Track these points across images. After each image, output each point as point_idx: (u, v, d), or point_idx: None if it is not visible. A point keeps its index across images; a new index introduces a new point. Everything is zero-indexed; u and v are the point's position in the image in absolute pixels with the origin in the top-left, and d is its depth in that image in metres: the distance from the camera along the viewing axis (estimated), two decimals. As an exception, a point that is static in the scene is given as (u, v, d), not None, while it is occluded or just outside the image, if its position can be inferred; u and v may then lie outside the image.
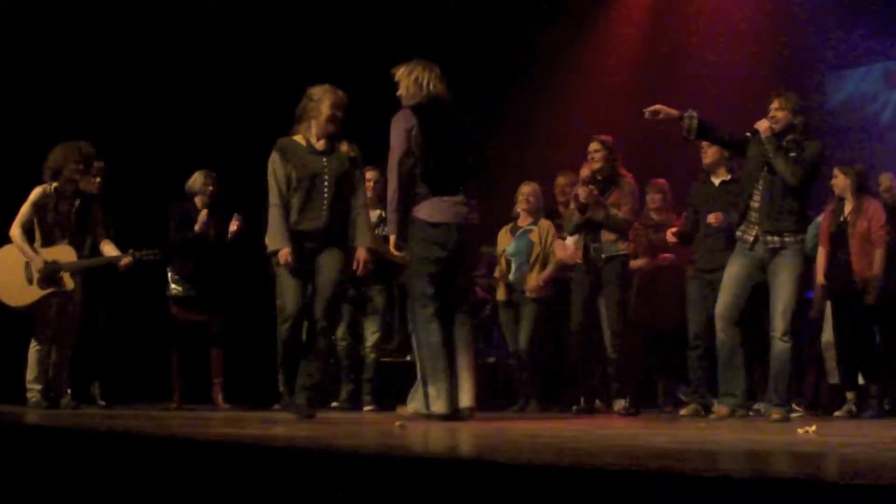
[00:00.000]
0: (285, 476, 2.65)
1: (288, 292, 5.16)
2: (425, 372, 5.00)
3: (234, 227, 7.06)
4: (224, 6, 8.46)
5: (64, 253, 6.29)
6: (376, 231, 6.36)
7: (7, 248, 6.35)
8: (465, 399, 5.00)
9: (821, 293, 6.65)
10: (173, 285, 7.04)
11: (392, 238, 5.14)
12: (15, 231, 6.27)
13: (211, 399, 7.12)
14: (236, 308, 7.25)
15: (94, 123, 7.18)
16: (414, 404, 5.05)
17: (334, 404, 7.02)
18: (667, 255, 7.10)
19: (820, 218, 6.62)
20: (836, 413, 6.48)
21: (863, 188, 6.52)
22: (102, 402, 6.85)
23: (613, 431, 4.25)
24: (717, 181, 6.52)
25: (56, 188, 6.33)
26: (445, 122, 5.12)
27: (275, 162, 5.21)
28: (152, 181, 7.65)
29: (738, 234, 5.54)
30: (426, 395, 4.98)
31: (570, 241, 6.92)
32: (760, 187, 5.43)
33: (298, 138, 5.27)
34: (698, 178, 6.74)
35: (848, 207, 6.50)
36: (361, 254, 5.25)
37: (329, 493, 2.51)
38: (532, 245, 7.11)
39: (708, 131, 5.55)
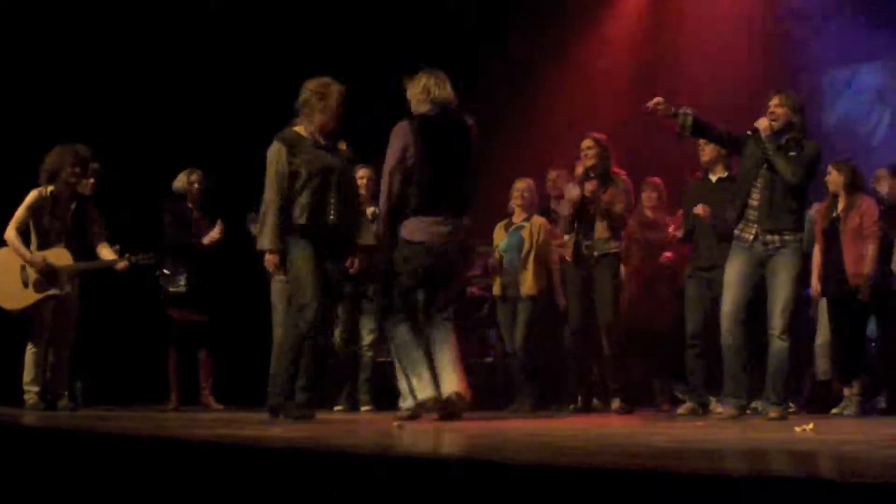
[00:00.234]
0: (283, 476, 2.65)
1: (308, 281, 5.01)
2: (406, 370, 5.04)
3: (214, 234, 7.04)
4: (222, 6, 8.45)
5: (60, 256, 6.28)
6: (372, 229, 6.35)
7: (2, 251, 6.33)
8: (452, 385, 4.97)
9: (816, 292, 6.67)
10: (170, 287, 7.04)
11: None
12: (10, 234, 6.26)
13: (202, 400, 7.12)
14: (227, 309, 7.25)
15: (90, 124, 7.17)
16: (406, 404, 5.07)
17: (338, 408, 7.01)
18: (668, 254, 7.10)
19: (812, 211, 6.60)
20: (833, 410, 6.49)
21: (856, 185, 6.53)
22: (81, 402, 6.78)
23: (611, 430, 4.25)
24: (714, 178, 6.52)
25: (52, 191, 6.31)
26: (445, 138, 5.11)
27: (279, 155, 5.08)
28: (147, 182, 7.64)
29: (737, 232, 5.51)
30: (411, 390, 5.01)
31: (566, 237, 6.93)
32: (759, 185, 5.41)
33: (300, 130, 5.17)
34: (694, 175, 6.74)
35: (841, 204, 6.51)
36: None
37: (327, 494, 2.51)
38: (523, 241, 7.11)
39: (703, 129, 5.54)
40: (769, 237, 5.38)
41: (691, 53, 9.09)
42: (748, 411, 5.74)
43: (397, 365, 5.14)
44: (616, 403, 6.50)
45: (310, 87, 5.17)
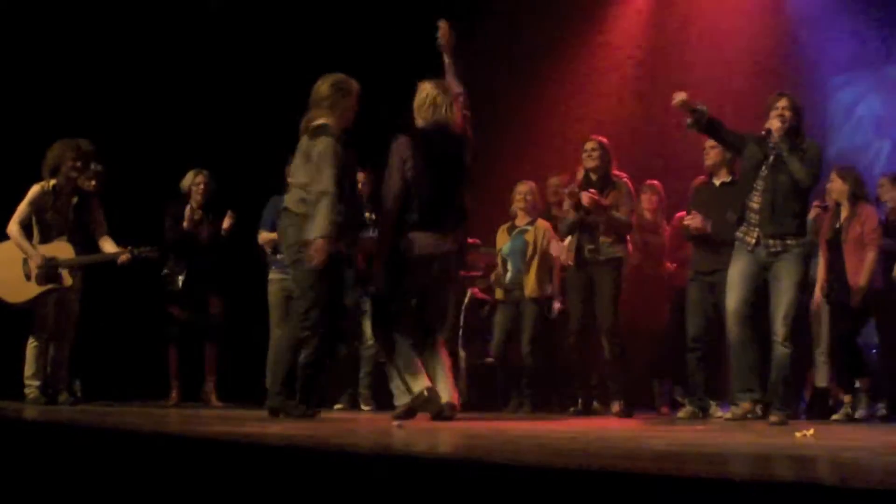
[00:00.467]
0: (283, 475, 2.65)
1: (325, 286, 5.00)
2: (398, 367, 5.09)
3: (227, 223, 7.07)
4: (223, 5, 8.45)
5: (61, 250, 6.29)
6: (369, 233, 6.35)
7: (5, 244, 6.35)
8: (445, 395, 5.02)
9: (818, 303, 6.68)
10: (169, 286, 7.06)
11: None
12: (13, 228, 6.27)
13: (202, 397, 7.13)
14: (230, 305, 7.26)
15: (93, 121, 7.18)
16: (401, 401, 5.09)
17: (338, 406, 7.01)
18: (669, 264, 7.13)
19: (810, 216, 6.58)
20: (834, 417, 6.48)
21: (859, 194, 6.52)
22: (79, 395, 6.79)
23: (610, 433, 4.24)
24: (717, 182, 6.52)
25: (54, 185, 6.32)
26: (443, 156, 5.13)
27: (336, 146, 5.01)
28: (152, 180, 7.65)
29: (739, 235, 5.49)
30: (406, 385, 5.04)
31: (568, 241, 6.93)
32: (759, 188, 5.38)
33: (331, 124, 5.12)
34: (698, 179, 6.75)
35: (844, 213, 6.50)
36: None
37: (326, 493, 2.51)
38: (527, 245, 7.11)
39: (714, 127, 5.54)
40: (771, 241, 5.36)
41: (693, 54, 9.08)
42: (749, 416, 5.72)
43: (389, 366, 5.18)
44: (616, 406, 6.49)
45: (330, 82, 5.16)
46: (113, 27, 8.08)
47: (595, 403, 6.89)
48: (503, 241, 7.30)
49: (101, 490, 3.01)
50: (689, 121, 5.46)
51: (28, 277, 6.26)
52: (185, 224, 7.01)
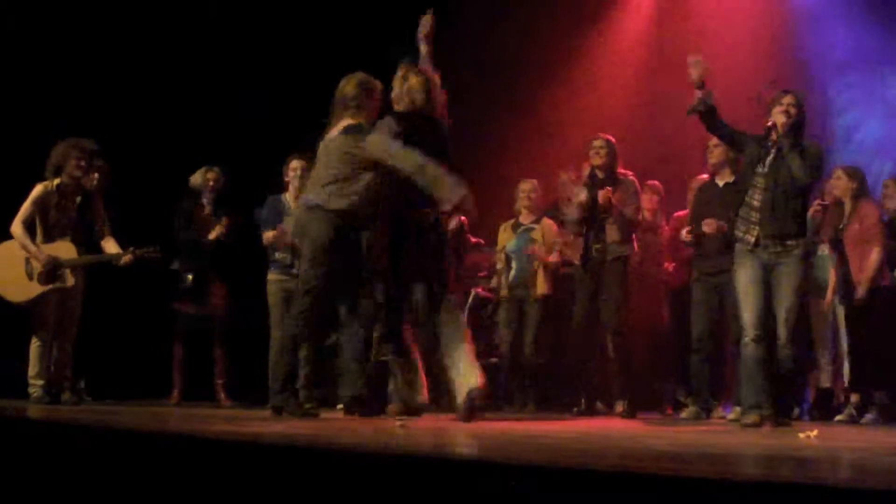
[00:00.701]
0: (284, 474, 2.65)
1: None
2: (395, 370, 5.12)
3: (218, 231, 7.06)
4: (220, 9, 8.45)
5: (64, 249, 6.29)
6: None
7: (8, 243, 6.35)
8: (471, 379, 4.84)
9: (828, 304, 6.66)
10: (179, 284, 7.08)
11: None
12: (16, 227, 6.28)
13: (215, 397, 7.15)
14: (236, 304, 7.26)
15: (99, 120, 7.17)
16: (397, 402, 5.10)
17: (340, 406, 7.01)
18: (668, 265, 7.13)
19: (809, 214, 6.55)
20: (838, 418, 6.47)
21: (862, 192, 6.51)
22: (88, 399, 6.82)
23: (613, 433, 4.24)
24: (721, 183, 6.51)
25: (58, 185, 6.33)
26: (423, 141, 5.10)
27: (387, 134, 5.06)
28: (159, 179, 7.65)
29: (739, 234, 5.35)
30: (406, 388, 5.08)
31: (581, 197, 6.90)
32: (759, 186, 5.27)
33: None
34: (698, 178, 6.75)
35: (847, 212, 6.49)
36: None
37: (327, 492, 2.51)
38: (534, 243, 7.10)
39: (714, 116, 5.32)
40: (771, 243, 5.24)
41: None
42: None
43: (390, 364, 5.20)
44: (619, 406, 6.48)
45: (357, 82, 5.18)
46: (115, 28, 8.08)
47: (598, 403, 6.89)
48: (505, 239, 7.29)
49: (102, 490, 3.01)
50: (694, 102, 5.24)
51: (30, 277, 6.27)
52: (212, 236, 7.02)
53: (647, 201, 7.16)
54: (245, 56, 8.36)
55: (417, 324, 5.17)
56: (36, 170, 6.41)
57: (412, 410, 4.99)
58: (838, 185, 6.53)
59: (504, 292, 7.28)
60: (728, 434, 4.44)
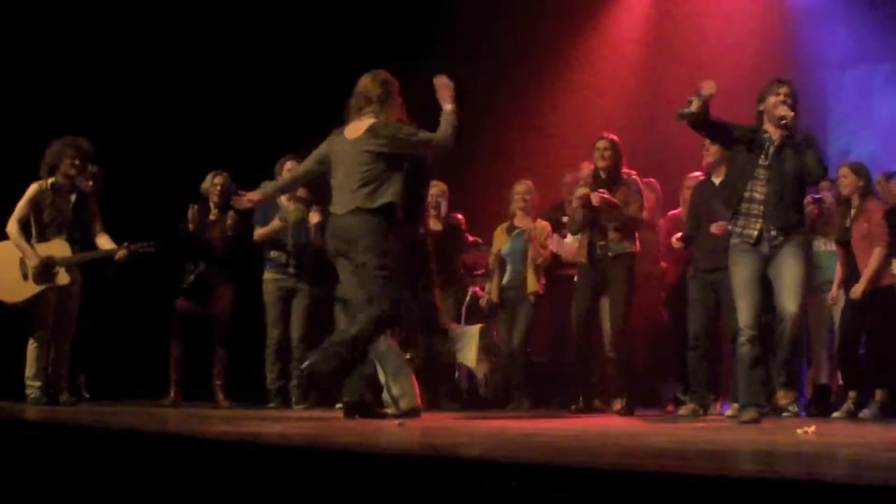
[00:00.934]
0: (284, 473, 2.65)
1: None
2: (387, 375, 5.12)
3: (230, 222, 7.07)
4: (220, 10, 8.44)
5: (59, 248, 6.29)
6: None
7: (2, 244, 6.35)
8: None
9: (833, 299, 6.67)
10: (182, 281, 7.10)
11: None
12: (11, 227, 6.27)
13: (213, 397, 7.14)
14: (239, 306, 7.26)
15: (99, 121, 7.16)
16: (389, 411, 5.15)
17: (339, 405, 7.01)
18: (663, 263, 7.13)
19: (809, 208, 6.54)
20: (835, 414, 6.48)
21: (868, 189, 6.52)
22: (87, 395, 6.82)
23: (612, 431, 4.24)
24: (717, 181, 6.50)
25: (52, 184, 6.33)
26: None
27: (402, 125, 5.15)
28: (158, 179, 7.66)
29: (738, 230, 5.21)
30: (392, 398, 5.09)
31: (569, 239, 6.89)
32: (762, 178, 5.14)
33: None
34: (691, 176, 6.75)
35: (854, 209, 6.48)
36: None
37: (327, 492, 2.51)
38: (527, 245, 7.09)
39: (707, 116, 5.11)
40: (774, 233, 5.12)
41: (694, 54, 9.07)
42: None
43: (380, 369, 5.23)
44: (618, 404, 6.48)
45: (381, 79, 5.11)
46: (115, 28, 8.06)
47: (596, 401, 6.88)
48: (501, 242, 7.26)
49: (101, 491, 3.01)
50: (692, 107, 5.03)
51: (25, 277, 6.26)
52: (190, 226, 7.01)
53: (645, 199, 7.16)
54: (245, 56, 8.35)
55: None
56: (32, 169, 6.40)
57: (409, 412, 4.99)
58: (845, 182, 6.51)
59: (494, 296, 7.25)
60: (726, 430, 4.44)
